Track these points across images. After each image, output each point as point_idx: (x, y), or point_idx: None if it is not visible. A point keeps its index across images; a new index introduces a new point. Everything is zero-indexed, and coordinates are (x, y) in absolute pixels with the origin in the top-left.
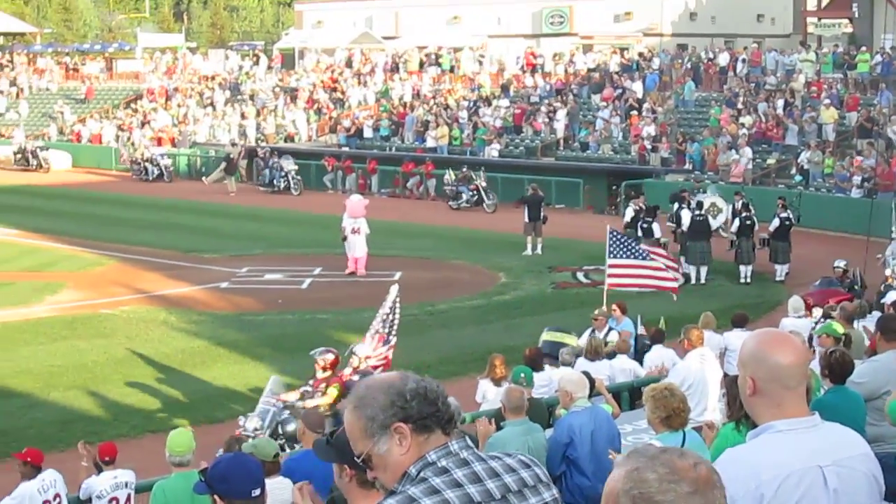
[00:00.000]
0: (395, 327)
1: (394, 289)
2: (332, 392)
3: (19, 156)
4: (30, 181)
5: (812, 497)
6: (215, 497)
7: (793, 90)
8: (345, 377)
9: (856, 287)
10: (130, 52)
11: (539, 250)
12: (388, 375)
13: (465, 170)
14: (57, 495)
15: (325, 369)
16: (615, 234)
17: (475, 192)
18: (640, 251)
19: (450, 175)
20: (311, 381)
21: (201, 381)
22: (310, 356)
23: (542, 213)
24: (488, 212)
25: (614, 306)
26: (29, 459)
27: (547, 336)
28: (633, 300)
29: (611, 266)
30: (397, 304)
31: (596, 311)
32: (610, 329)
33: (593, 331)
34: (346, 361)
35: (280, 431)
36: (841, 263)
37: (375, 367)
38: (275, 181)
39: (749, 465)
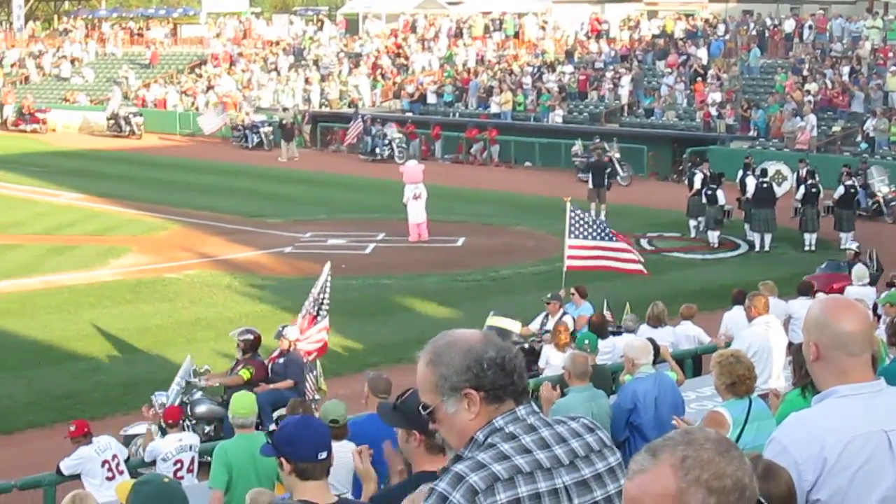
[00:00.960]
0: (324, 307)
1: (326, 267)
2: (244, 374)
3: (112, 122)
4: (122, 146)
5: (877, 461)
6: (282, 459)
7: (859, 57)
8: (270, 360)
9: (869, 271)
10: (195, 18)
11: (603, 216)
12: (472, 336)
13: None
14: (115, 455)
15: (244, 350)
16: (575, 212)
17: (608, 164)
18: (601, 231)
19: (579, 146)
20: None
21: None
22: (230, 336)
23: (606, 180)
24: (623, 185)
25: (572, 290)
26: (85, 429)
27: (490, 321)
28: (598, 282)
29: (570, 247)
30: (328, 284)
31: (549, 295)
32: (565, 313)
33: (546, 316)
34: (279, 343)
35: (189, 412)
36: (853, 245)
37: (309, 353)
38: (377, 149)
39: (813, 429)
